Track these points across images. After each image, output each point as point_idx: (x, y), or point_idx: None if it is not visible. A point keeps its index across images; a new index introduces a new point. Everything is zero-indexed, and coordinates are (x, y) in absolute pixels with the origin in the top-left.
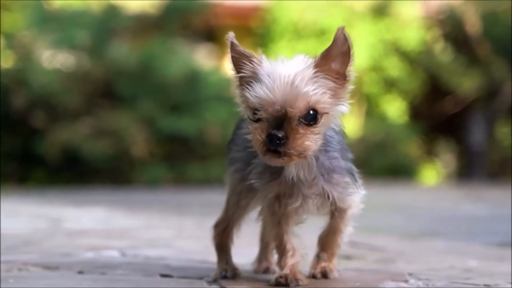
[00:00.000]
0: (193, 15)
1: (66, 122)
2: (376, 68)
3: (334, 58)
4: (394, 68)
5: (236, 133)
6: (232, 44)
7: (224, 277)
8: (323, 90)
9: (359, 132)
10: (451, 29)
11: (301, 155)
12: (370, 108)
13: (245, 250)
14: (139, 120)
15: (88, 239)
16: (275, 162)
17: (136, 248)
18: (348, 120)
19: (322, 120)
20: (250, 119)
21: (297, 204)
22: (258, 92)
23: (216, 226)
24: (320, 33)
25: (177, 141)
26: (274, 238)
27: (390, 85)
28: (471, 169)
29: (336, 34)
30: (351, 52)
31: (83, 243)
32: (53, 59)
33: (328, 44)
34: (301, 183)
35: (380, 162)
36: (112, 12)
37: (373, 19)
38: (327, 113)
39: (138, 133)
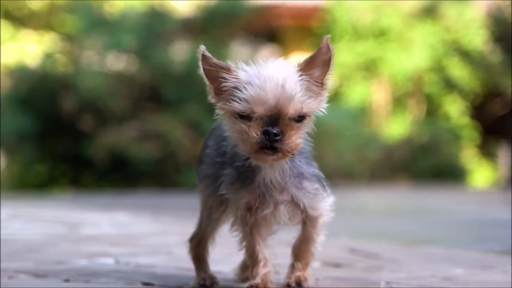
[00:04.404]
0: (239, 18)
1: (113, 126)
2: (436, 68)
3: (316, 65)
4: (454, 68)
5: (204, 152)
6: (205, 56)
7: (203, 286)
8: (310, 94)
9: (412, 133)
10: (500, 29)
11: (292, 152)
12: (430, 109)
13: (234, 258)
14: (185, 123)
15: (93, 245)
16: (266, 159)
17: (134, 255)
18: (404, 119)
19: (305, 121)
20: (237, 121)
21: (269, 211)
22: (250, 92)
23: (192, 239)
24: (379, 33)
25: None
26: (246, 249)
27: (450, 85)
28: None
29: (321, 43)
30: (332, 62)
31: (85, 249)
32: (101, 63)
33: (387, 45)
34: (272, 189)
35: (428, 163)
36: (159, 16)
37: (432, 20)
38: (310, 116)
39: (183, 136)
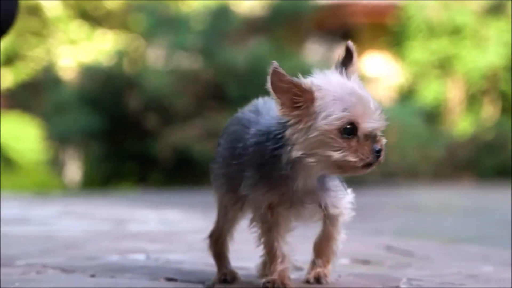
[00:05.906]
0: (306, 17)
1: (177, 124)
2: (511, 66)
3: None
4: None
5: (217, 152)
6: (277, 73)
7: (224, 281)
8: None
9: (478, 130)
10: None
11: None
12: (506, 106)
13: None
14: None
15: (131, 242)
16: (357, 173)
17: (167, 251)
18: (478, 117)
19: None
20: (337, 137)
21: (291, 211)
22: (355, 109)
23: (211, 236)
24: (453, 31)
25: None
26: (264, 245)
27: None
28: None
29: (351, 51)
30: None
31: (122, 246)
32: (166, 62)
33: (461, 42)
34: (298, 191)
35: (495, 161)
36: (224, 15)
37: (506, 17)
38: None
39: None
